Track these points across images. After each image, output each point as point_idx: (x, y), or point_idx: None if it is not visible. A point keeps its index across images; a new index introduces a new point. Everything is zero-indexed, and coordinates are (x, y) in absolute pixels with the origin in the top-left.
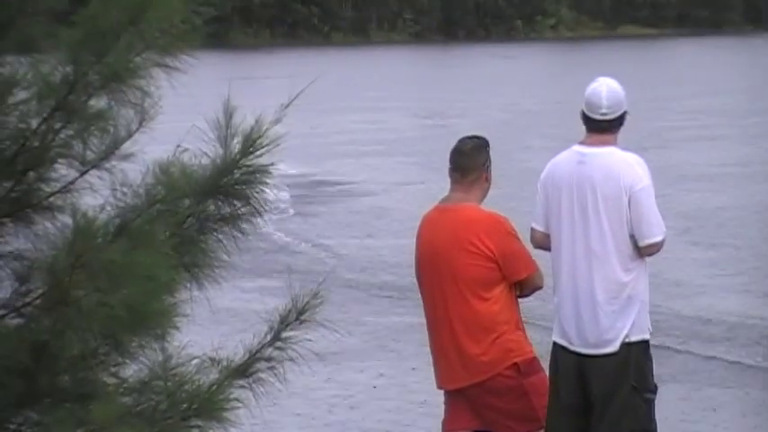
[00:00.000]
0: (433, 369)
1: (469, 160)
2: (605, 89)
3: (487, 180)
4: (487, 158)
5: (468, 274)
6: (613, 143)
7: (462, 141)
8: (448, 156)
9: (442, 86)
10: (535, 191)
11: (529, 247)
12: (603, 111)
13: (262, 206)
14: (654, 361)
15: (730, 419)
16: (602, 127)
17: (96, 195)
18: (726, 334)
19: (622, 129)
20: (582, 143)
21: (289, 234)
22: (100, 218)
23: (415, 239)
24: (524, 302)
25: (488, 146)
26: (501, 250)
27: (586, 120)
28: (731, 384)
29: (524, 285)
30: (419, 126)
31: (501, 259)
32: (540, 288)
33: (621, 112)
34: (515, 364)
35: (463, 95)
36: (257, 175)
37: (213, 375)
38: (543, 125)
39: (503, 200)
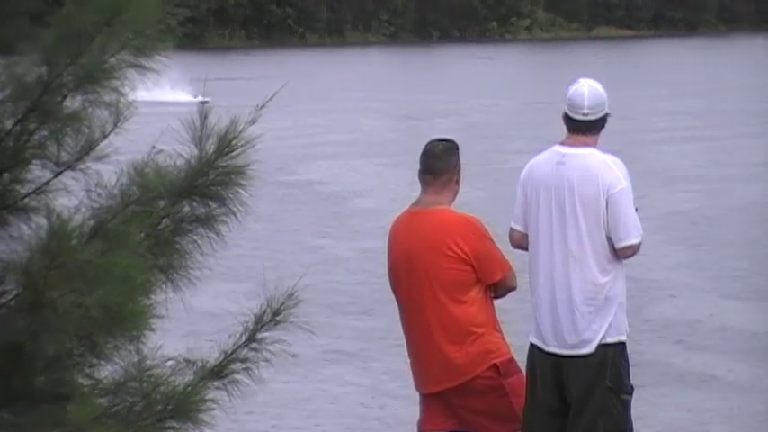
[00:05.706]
0: (411, 372)
1: (442, 162)
2: (587, 90)
3: (457, 182)
4: (458, 160)
5: (445, 277)
6: (593, 145)
7: (432, 144)
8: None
9: (419, 87)
10: (514, 191)
11: (505, 247)
12: (585, 111)
13: (237, 207)
14: (631, 363)
15: (712, 422)
16: (583, 128)
17: (71, 196)
18: (710, 336)
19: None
20: (562, 143)
21: (267, 234)
22: (75, 219)
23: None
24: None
25: (458, 148)
26: (476, 253)
27: (568, 120)
28: (715, 387)
29: (499, 286)
30: (396, 127)
31: (476, 262)
32: (514, 289)
33: (603, 113)
34: (495, 365)
35: (440, 96)
36: (232, 176)
37: (188, 376)
38: (521, 126)
39: (480, 200)
